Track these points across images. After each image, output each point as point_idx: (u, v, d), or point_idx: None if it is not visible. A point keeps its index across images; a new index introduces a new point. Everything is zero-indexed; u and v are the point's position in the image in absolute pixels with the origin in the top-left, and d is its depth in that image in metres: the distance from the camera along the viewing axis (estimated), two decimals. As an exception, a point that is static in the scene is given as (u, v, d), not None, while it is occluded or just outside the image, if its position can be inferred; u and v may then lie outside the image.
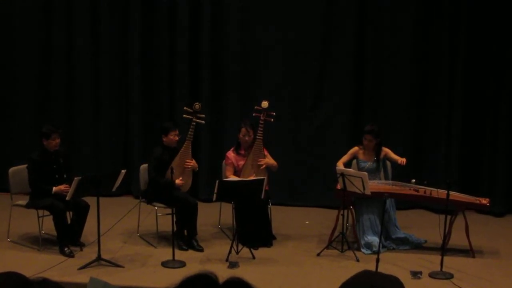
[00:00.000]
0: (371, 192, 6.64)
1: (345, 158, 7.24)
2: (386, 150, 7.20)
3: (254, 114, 7.26)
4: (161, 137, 7.12)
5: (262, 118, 7.19)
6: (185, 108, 7.18)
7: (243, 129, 7.23)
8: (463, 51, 8.31)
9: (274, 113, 7.23)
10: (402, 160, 6.97)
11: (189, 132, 7.04)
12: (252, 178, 6.97)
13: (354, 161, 7.36)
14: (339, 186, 6.86)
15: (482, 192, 7.70)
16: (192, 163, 7.12)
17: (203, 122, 7.22)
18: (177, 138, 7.08)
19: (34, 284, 1.68)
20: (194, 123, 7.08)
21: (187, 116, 7.12)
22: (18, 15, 8.96)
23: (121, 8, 8.90)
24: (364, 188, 6.57)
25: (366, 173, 6.70)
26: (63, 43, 8.99)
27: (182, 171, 7.05)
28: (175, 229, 6.64)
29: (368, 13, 8.52)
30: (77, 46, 8.99)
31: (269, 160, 7.31)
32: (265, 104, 7.20)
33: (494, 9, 8.22)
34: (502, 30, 8.24)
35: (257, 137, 7.18)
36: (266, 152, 7.33)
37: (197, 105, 7.11)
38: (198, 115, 7.10)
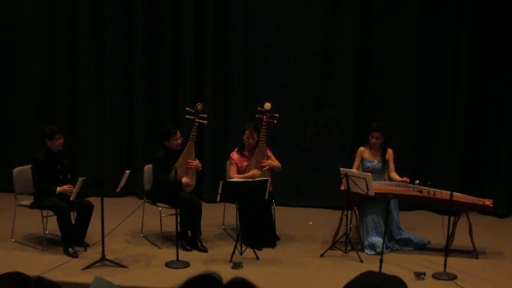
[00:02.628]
0: (374, 192, 6.64)
1: (355, 163, 7.21)
2: (390, 153, 7.19)
3: (257, 116, 7.28)
4: (163, 141, 7.11)
5: (265, 119, 7.19)
6: (187, 108, 7.17)
7: (247, 132, 7.23)
8: (467, 52, 8.30)
9: (277, 115, 7.24)
10: (404, 179, 7.00)
11: (192, 133, 7.03)
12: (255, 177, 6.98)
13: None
14: (343, 187, 6.86)
15: (485, 193, 7.68)
16: (195, 163, 7.11)
17: (206, 122, 7.19)
18: (179, 142, 7.02)
19: (30, 282, 1.69)
20: (197, 123, 7.07)
21: (190, 117, 7.10)
22: (21, 20, 8.96)
23: (125, 10, 8.90)
24: (367, 189, 6.57)
25: (370, 174, 6.70)
26: (66, 46, 9.00)
27: (186, 171, 7.05)
28: (179, 229, 6.65)
29: (371, 13, 8.51)
30: (81, 49, 8.99)
31: (272, 162, 7.31)
32: (267, 105, 7.20)
33: (497, 8, 8.21)
34: (504, 29, 8.22)
35: (260, 138, 7.19)
36: (270, 153, 7.34)
37: (199, 105, 7.09)
38: (200, 115, 7.08)
